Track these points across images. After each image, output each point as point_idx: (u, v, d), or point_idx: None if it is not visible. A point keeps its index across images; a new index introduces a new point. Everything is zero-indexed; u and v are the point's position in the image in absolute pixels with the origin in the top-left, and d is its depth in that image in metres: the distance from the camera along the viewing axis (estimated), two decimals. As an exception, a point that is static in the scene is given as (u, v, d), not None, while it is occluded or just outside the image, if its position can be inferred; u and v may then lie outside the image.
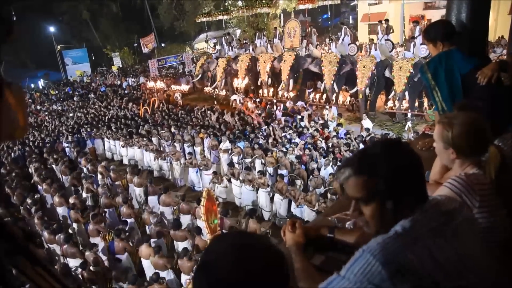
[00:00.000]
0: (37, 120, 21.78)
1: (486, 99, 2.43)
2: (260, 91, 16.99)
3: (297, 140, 10.88)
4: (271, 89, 16.54)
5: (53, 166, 12.71)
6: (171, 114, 16.07)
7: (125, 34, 39.38)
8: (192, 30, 35.81)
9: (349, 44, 14.90)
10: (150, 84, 22.47)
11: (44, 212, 9.28)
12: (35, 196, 10.04)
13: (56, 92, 29.90)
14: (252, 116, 13.86)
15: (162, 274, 6.78)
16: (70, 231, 8.68)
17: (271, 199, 9.04)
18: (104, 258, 7.61)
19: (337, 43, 15.61)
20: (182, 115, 15.56)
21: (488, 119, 1.65)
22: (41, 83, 37.45)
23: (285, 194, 8.55)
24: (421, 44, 12.03)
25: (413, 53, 12.86)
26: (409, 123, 11.65)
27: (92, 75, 34.14)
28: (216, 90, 18.48)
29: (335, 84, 14.38)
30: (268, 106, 14.95)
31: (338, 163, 9.20)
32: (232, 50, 19.02)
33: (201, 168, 10.47)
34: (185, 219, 8.64)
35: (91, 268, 6.90)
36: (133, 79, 27.00)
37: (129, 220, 8.69)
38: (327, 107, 13.66)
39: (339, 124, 12.09)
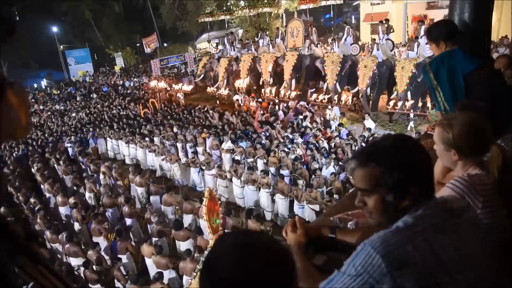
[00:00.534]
0: (40, 120, 21.85)
1: (488, 99, 2.42)
2: (262, 90, 17.00)
3: (299, 140, 10.88)
4: (273, 89, 16.53)
5: (55, 165, 12.75)
6: (173, 114, 16.09)
7: (127, 34, 39.49)
8: (195, 30, 35.86)
9: (351, 44, 14.88)
10: (152, 84, 22.50)
11: (47, 212, 9.32)
12: (39, 196, 10.10)
13: (59, 92, 30.01)
14: (254, 117, 13.85)
15: (164, 273, 6.80)
16: (72, 230, 8.71)
17: (273, 199, 9.04)
18: (106, 257, 7.63)
19: (339, 43, 15.59)
20: (185, 115, 15.58)
21: (489, 119, 1.64)
22: (44, 83, 37.59)
23: (287, 194, 8.56)
24: (426, 44, 11.99)
25: (417, 53, 12.82)
26: (411, 123, 11.63)
27: (95, 75, 34.23)
28: (218, 90, 18.49)
29: (337, 84, 14.37)
30: (270, 106, 14.95)
31: (340, 163, 9.21)
32: (234, 50, 19.03)
33: (203, 168, 10.47)
34: (188, 219, 8.66)
35: (94, 267, 6.93)
36: (136, 79, 27.07)
37: (131, 220, 8.72)
38: (329, 107, 13.65)
39: (340, 124, 12.07)
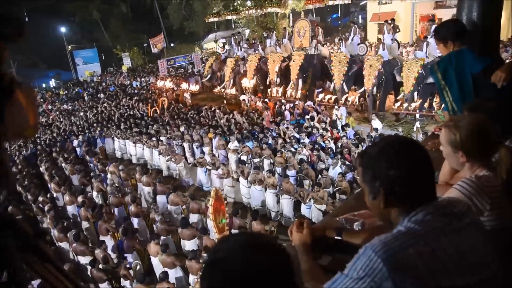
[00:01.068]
0: (48, 119, 22.05)
1: (496, 100, 2.39)
2: (269, 90, 16.99)
3: (306, 140, 10.86)
4: (280, 89, 16.52)
5: (63, 165, 12.86)
6: (180, 114, 16.14)
7: (134, 34, 39.68)
8: (201, 30, 35.94)
9: (358, 44, 14.82)
10: (160, 84, 22.60)
11: (56, 211, 9.40)
12: (48, 195, 10.20)
13: (66, 92, 30.26)
14: (262, 117, 13.84)
15: (171, 272, 6.83)
16: (80, 229, 8.77)
17: (278, 200, 9.03)
18: (113, 256, 7.68)
19: (346, 42, 15.54)
20: (191, 115, 15.63)
21: (498, 120, 1.63)
22: (52, 83, 37.92)
23: (293, 194, 8.55)
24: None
25: (426, 53, 12.72)
26: (417, 124, 11.55)
27: (102, 75, 34.46)
28: (225, 89, 18.51)
29: (344, 84, 14.32)
30: (276, 106, 14.94)
31: (347, 163, 9.18)
32: (241, 50, 19.04)
33: (210, 168, 10.49)
34: (194, 218, 8.69)
35: (100, 266, 6.97)
36: (143, 79, 27.20)
37: (137, 219, 8.77)
38: (336, 107, 13.61)
39: (346, 124, 12.03)
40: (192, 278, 6.67)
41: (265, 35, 19.50)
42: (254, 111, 14.82)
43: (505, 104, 2.39)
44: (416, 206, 1.15)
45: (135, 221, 8.84)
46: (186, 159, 12.02)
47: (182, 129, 13.50)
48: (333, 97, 14.80)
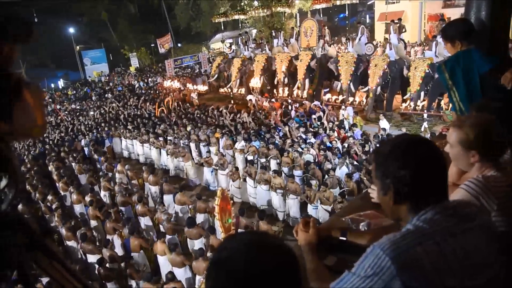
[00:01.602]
0: (56, 119, 22.26)
1: (504, 100, 2.37)
2: (275, 90, 16.98)
3: (313, 140, 10.83)
4: (286, 89, 16.50)
5: (73, 164, 12.97)
6: (187, 114, 16.20)
7: (142, 34, 39.90)
8: (208, 30, 36.03)
9: (366, 44, 14.75)
10: (167, 84, 22.69)
11: (64, 210, 9.49)
12: (56, 194, 10.31)
13: (74, 92, 30.52)
14: (270, 116, 13.83)
15: (179, 271, 6.85)
16: (87, 228, 8.84)
17: (285, 199, 9.02)
18: (121, 255, 7.73)
19: (353, 42, 15.48)
20: (198, 115, 15.68)
21: (505, 120, 1.61)
22: (60, 83, 38.28)
23: (300, 194, 8.53)
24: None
25: (435, 52, 12.62)
26: (425, 124, 11.47)
27: (110, 75, 34.71)
28: (232, 89, 18.54)
29: (351, 84, 14.27)
30: (283, 106, 14.93)
31: (355, 163, 9.14)
32: (248, 50, 19.06)
33: (217, 167, 10.51)
34: (201, 218, 8.71)
35: (107, 265, 7.02)
36: (150, 79, 27.34)
37: (144, 218, 8.82)
38: (343, 107, 13.56)
39: (354, 125, 11.98)
40: (198, 278, 6.69)
41: (273, 35, 19.50)
42: (261, 111, 14.83)
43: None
44: (426, 205, 1.15)
45: (142, 221, 8.89)
46: (192, 158, 12.05)
47: (188, 128, 13.55)
48: (340, 97, 14.75)
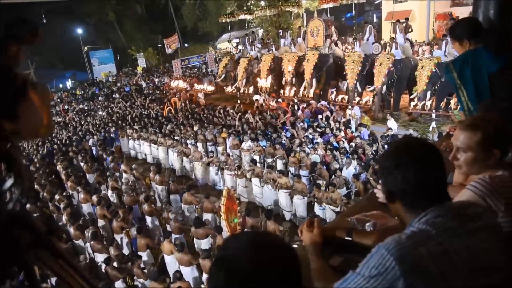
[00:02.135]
0: (65, 119, 22.46)
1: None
2: (282, 90, 16.96)
3: (319, 140, 10.80)
4: (293, 89, 16.47)
5: (81, 163, 13.08)
6: (194, 114, 16.25)
7: (149, 35, 40.11)
8: (215, 30, 36.11)
9: (373, 43, 14.69)
10: (174, 84, 22.78)
11: (72, 209, 9.58)
12: (64, 193, 10.40)
13: (82, 92, 30.77)
14: (279, 118, 13.81)
15: (187, 270, 6.88)
16: (94, 227, 8.91)
17: (291, 199, 9.00)
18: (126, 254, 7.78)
19: (361, 42, 15.40)
20: (205, 115, 15.72)
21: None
22: (69, 83, 38.62)
23: (306, 194, 8.51)
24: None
25: (445, 51, 12.52)
26: (433, 124, 11.37)
27: (118, 76, 34.94)
28: (238, 89, 18.55)
29: (358, 83, 14.21)
30: (290, 105, 14.92)
31: (362, 164, 9.10)
32: (254, 50, 19.06)
33: (223, 167, 10.53)
34: (208, 217, 8.73)
35: (115, 264, 7.07)
36: (157, 79, 27.48)
37: (150, 218, 8.86)
38: (350, 106, 13.51)
39: (361, 124, 11.92)
40: (205, 277, 6.72)
41: (280, 34, 19.48)
42: (268, 110, 14.82)
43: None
44: (425, 207, 1.15)
45: (148, 220, 8.94)
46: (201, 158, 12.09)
47: (195, 128, 13.59)
48: (346, 97, 14.71)
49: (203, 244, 7.64)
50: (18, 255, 0.60)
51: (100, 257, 7.55)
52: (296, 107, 14.53)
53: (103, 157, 13.31)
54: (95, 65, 38.60)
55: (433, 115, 12.37)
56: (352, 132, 11.48)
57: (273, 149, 10.48)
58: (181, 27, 36.46)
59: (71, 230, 8.39)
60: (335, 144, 10.42)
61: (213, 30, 36.38)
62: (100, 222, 9.06)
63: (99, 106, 23.33)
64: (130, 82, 29.90)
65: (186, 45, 38.04)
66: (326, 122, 12.26)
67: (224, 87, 19.84)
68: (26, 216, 0.67)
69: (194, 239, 7.87)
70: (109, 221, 8.90)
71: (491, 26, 2.90)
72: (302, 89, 16.06)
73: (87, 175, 12.13)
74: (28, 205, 9.93)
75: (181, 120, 15.57)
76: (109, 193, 10.45)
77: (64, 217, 9.12)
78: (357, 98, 14.38)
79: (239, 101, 17.32)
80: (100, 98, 26.17)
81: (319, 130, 11.51)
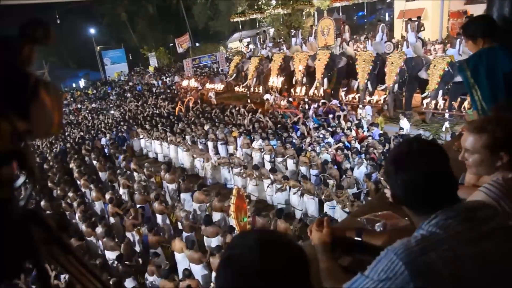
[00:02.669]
0: (77, 118, 22.78)
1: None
2: (292, 90, 16.92)
3: (330, 139, 10.76)
4: (304, 88, 16.41)
5: (93, 162, 13.25)
6: (205, 113, 16.32)
7: (161, 34, 40.37)
8: (226, 29, 36.18)
9: (385, 42, 14.55)
10: (185, 83, 22.91)
11: (85, 207, 9.72)
12: (77, 191, 10.56)
13: (95, 91, 31.15)
14: (289, 114, 13.79)
15: (197, 267, 6.92)
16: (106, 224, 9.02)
17: (302, 198, 8.98)
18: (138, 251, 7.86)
19: (372, 41, 15.27)
20: (216, 114, 15.77)
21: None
22: (82, 82, 39.16)
23: (314, 194, 8.48)
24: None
25: (459, 50, 12.34)
26: (446, 124, 11.22)
27: (130, 75, 35.28)
28: (248, 89, 18.56)
29: (369, 83, 14.10)
30: (300, 105, 14.88)
31: (373, 164, 9.03)
32: (265, 49, 19.04)
33: (233, 166, 10.56)
34: (218, 216, 8.77)
35: (126, 261, 7.15)
36: (168, 79, 27.67)
37: (161, 216, 8.93)
38: (361, 106, 13.41)
39: (373, 124, 11.83)
40: (214, 275, 6.75)
41: (292, 34, 19.43)
42: (279, 110, 14.81)
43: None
44: (433, 209, 1.12)
45: (159, 218, 9.01)
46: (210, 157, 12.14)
47: (206, 127, 13.64)
48: (357, 96, 14.61)
49: (213, 242, 7.67)
50: (31, 251, 0.62)
51: (111, 255, 7.64)
52: (306, 106, 14.48)
53: (115, 155, 13.46)
54: (108, 64, 39.03)
55: (446, 115, 12.21)
56: (363, 132, 11.40)
57: (284, 148, 10.47)
58: (193, 26, 36.62)
59: (83, 227, 8.51)
60: (346, 143, 10.36)
61: (224, 30, 36.46)
62: (112, 220, 9.17)
63: (111, 105, 23.59)
64: (141, 81, 30.16)
65: (197, 44, 38.19)
66: (337, 122, 12.20)
67: (235, 86, 19.86)
68: (38, 213, 0.68)
69: (204, 237, 7.91)
70: (120, 218, 9.00)
71: (506, 24, 2.85)
72: (313, 88, 16.00)
73: (100, 173, 12.28)
74: (42, 203, 10.12)
75: (192, 119, 15.65)
76: (121, 191, 10.57)
77: (78, 215, 9.25)
78: (368, 98, 14.27)
79: (249, 101, 17.34)
80: (112, 97, 26.45)
81: (330, 129, 11.46)
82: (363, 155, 9.48)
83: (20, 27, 0.66)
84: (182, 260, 7.40)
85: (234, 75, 19.97)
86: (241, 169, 10.10)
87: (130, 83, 30.80)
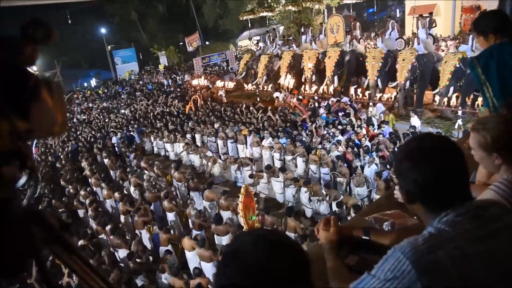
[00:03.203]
0: (89, 117, 23.04)
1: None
2: (302, 88, 16.85)
3: (340, 137, 10.70)
4: (314, 86, 16.34)
5: (104, 160, 13.39)
6: (215, 111, 16.37)
7: (170, 33, 40.56)
8: (236, 27, 36.20)
9: (396, 39, 14.39)
10: (195, 81, 22.99)
11: (96, 205, 9.83)
12: (88, 189, 10.69)
13: (106, 90, 31.47)
14: (299, 112, 13.74)
15: (208, 265, 6.95)
16: (116, 222, 9.12)
17: (310, 198, 8.94)
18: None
19: (383, 37, 15.12)
20: (226, 112, 15.80)
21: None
22: (93, 82, 39.61)
23: (322, 195, 8.44)
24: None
25: (472, 46, 12.15)
26: (459, 121, 11.06)
27: (140, 74, 35.56)
28: (258, 86, 18.56)
29: (379, 80, 13.96)
30: (310, 103, 14.81)
31: (383, 162, 8.96)
32: (275, 47, 18.99)
33: (243, 165, 10.57)
34: (228, 215, 8.78)
35: (137, 259, 7.21)
36: (178, 77, 27.81)
37: (171, 214, 8.99)
38: (371, 103, 13.29)
39: (384, 122, 11.72)
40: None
41: (301, 31, 19.34)
42: (289, 108, 14.77)
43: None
44: (445, 208, 1.10)
45: (169, 216, 9.07)
46: (220, 157, 12.20)
47: (216, 126, 13.68)
48: (367, 93, 14.49)
49: (224, 240, 7.69)
50: (31, 250, 0.63)
51: (121, 253, 7.72)
52: (316, 104, 14.42)
53: (126, 154, 13.58)
54: (118, 64, 39.41)
55: (459, 112, 12.04)
56: (374, 130, 11.31)
57: (294, 146, 10.44)
58: (202, 25, 36.73)
59: (94, 225, 8.62)
60: (356, 141, 10.29)
61: (233, 28, 36.49)
62: (122, 218, 9.26)
63: (122, 104, 23.81)
64: (152, 80, 30.36)
65: (207, 43, 38.29)
66: (347, 119, 12.12)
67: (245, 85, 19.86)
68: (39, 212, 0.69)
69: (215, 235, 7.93)
70: (131, 216, 9.09)
71: (518, 19, 2.79)
72: (323, 86, 15.91)
73: (111, 172, 12.40)
74: (54, 201, 10.28)
75: (202, 117, 15.71)
76: (132, 189, 10.67)
77: (90, 213, 9.37)
78: (379, 95, 14.14)
79: (258, 99, 17.32)
80: (123, 96, 26.69)
81: (340, 127, 11.39)
82: (374, 153, 9.40)
83: (21, 27, 0.66)
84: (192, 258, 7.43)
85: (244, 73, 19.97)
86: (250, 167, 10.11)
87: (141, 82, 31.04)
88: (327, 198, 8.27)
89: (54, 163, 14.84)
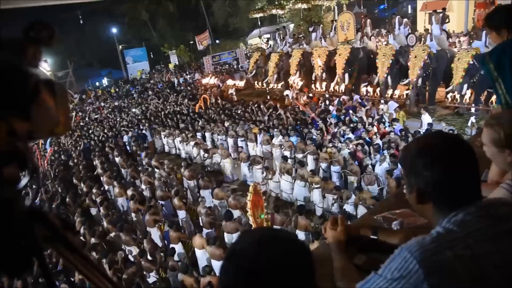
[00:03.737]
0: (101, 116, 23.31)
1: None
2: (312, 85, 16.77)
3: (351, 135, 10.63)
4: (324, 84, 16.25)
5: (116, 159, 13.53)
6: (225, 110, 16.39)
7: (181, 32, 40.77)
8: (246, 26, 36.23)
9: (408, 35, 14.21)
10: (205, 80, 23.06)
11: (108, 203, 9.94)
12: (100, 188, 10.82)
13: (117, 90, 31.79)
14: (306, 111, 13.69)
15: (218, 264, 6.97)
16: (128, 220, 9.21)
17: (324, 195, 8.91)
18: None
19: (394, 34, 14.96)
20: (236, 110, 15.82)
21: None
22: (104, 81, 40.05)
23: (336, 193, 8.40)
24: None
25: (486, 42, 11.93)
26: (472, 118, 10.88)
27: (151, 73, 35.82)
28: (268, 85, 18.52)
29: (389, 77, 13.80)
30: (320, 101, 14.73)
31: (394, 160, 8.87)
32: (285, 45, 18.92)
33: (253, 163, 10.58)
34: (238, 213, 8.80)
35: (148, 257, 7.28)
36: (188, 76, 27.93)
37: (181, 212, 9.04)
38: (382, 101, 13.16)
39: (395, 119, 11.60)
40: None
41: (310, 29, 19.24)
42: (299, 106, 14.71)
43: None
44: (455, 207, 1.08)
45: (179, 214, 9.13)
46: (230, 155, 12.21)
47: (226, 124, 13.70)
48: (378, 90, 14.35)
49: (234, 238, 7.70)
50: (34, 249, 0.63)
51: (128, 249, 7.79)
52: (327, 102, 14.34)
53: (137, 152, 13.70)
54: (130, 63, 39.76)
55: (473, 109, 11.84)
56: (385, 127, 11.20)
57: (304, 144, 10.40)
58: (212, 23, 36.82)
59: (105, 223, 8.71)
60: (367, 139, 10.21)
61: (243, 26, 36.51)
62: (134, 216, 9.35)
63: (133, 103, 24.03)
64: (162, 79, 30.55)
65: (217, 41, 38.38)
66: (358, 117, 12.03)
67: (257, 82, 19.84)
68: (43, 212, 0.70)
69: (225, 233, 7.95)
70: (142, 215, 9.16)
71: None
72: (333, 84, 15.81)
73: (122, 170, 12.52)
74: (68, 199, 10.43)
75: (212, 116, 15.75)
76: (143, 187, 10.76)
77: (102, 211, 9.48)
78: (390, 92, 13.99)
79: (268, 97, 17.29)
80: (134, 95, 26.93)
81: (351, 125, 11.32)
82: (385, 151, 9.31)
83: (23, 29, 0.67)
84: (202, 256, 7.47)
85: (254, 71, 19.94)
86: (261, 165, 10.10)
87: (152, 81, 31.25)
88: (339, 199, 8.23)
89: (66, 161, 15.05)
